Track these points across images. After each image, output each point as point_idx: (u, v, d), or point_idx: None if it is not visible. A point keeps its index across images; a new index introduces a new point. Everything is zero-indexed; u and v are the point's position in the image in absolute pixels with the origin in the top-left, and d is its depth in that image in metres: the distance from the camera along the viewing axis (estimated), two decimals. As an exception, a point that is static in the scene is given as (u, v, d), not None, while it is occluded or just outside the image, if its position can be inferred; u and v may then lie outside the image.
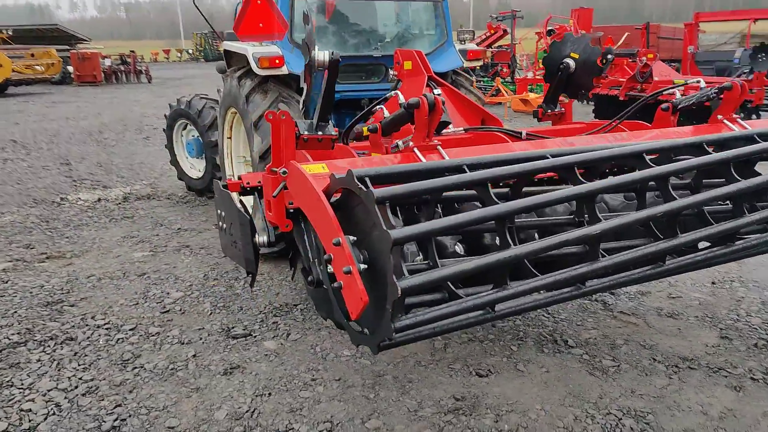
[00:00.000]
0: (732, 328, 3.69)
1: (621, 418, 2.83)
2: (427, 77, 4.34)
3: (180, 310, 4.14)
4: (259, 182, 3.80)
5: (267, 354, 3.51)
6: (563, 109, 4.98)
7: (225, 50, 5.29)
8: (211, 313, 4.07)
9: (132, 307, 4.19)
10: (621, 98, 11.95)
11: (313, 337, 3.70)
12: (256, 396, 3.09)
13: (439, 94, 3.00)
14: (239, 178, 3.83)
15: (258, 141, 4.53)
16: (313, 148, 3.18)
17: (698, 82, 3.84)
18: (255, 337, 3.72)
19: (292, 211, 2.98)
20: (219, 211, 3.77)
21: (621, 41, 19.51)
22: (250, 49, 4.57)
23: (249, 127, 4.63)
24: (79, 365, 3.40)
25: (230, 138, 5.55)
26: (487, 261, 2.17)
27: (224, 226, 3.72)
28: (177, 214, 6.59)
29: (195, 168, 7.31)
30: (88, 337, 3.73)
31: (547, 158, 2.48)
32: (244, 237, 3.42)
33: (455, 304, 2.18)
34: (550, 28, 17.56)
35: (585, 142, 3.20)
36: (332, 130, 3.18)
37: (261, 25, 4.57)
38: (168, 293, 4.42)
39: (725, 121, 3.52)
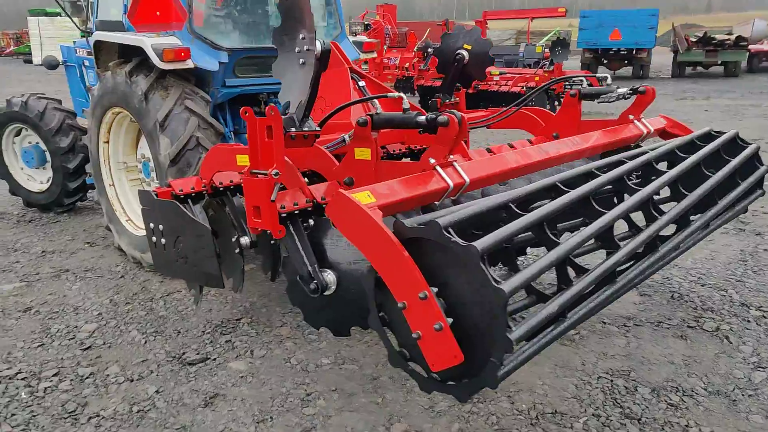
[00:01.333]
0: (644, 286, 4.20)
1: (612, 380, 3.09)
2: (348, 69, 4.25)
3: (104, 343, 3.55)
4: (193, 188, 3.44)
5: (241, 376, 3.17)
6: (457, 99, 5.21)
7: (96, 42, 4.60)
8: (145, 342, 3.56)
9: (38, 349, 3.49)
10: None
11: (280, 351, 3.43)
12: (258, 423, 2.79)
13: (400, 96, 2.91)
14: (168, 185, 3.40)
15: (166, 143, 4.03)
16: (296, 146, 2.92)
17: (606, 78, 4.27)
18: (215, 360, 3.34)
19: (284, 215, 2.73)
20: (153, 225, 3.31)
21: (425, 36, 20.85)
22: (148, 39, 4.03)
23: (151, 129, 4.09)
24: (13, 428, 2.75)
25: (107, 142, 4.85)
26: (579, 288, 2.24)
27: (163, 241, 3.28)
28: (28, 235, 5.59)
29: (35, 180, 6.28)
30: (3, 392, 3.03)
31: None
32: (205, 250, 3.05)
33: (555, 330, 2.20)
34: (366, 22, 18.16)
35: (560, 151, 3.33)
36: (314, 125, 2.96)
37: (158, 13, 4.09)
38: (77, 327, 3.76)
39: (635, 121, 3.97)
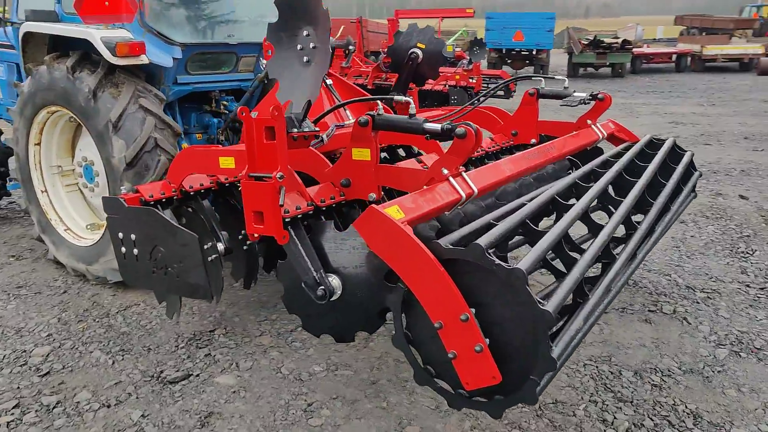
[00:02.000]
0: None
1: (597, 365, 3.22)
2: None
3: (64, 367, 3.23)
4: (164, 194, 3.22)
5: (233, 391, 3.00)
6: (411, 97, 5.23)
7: (26, 33, 4.17)
8: (113, 362, 3.28)
9: (-13, 378, 3.12)
10: (369, 86, 12.83)
11: (266, 361, 3.28)
12: (265, 439, 2.65)
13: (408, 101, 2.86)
14: (135, 190, 3.17)
15: (121, 145, 3.74)
16: (295, 148, 2.79)
17: (564, 80, 4.44)
18: (199, 376, 3.14)
19: (288, 220, 2.62)
20: (123, 234, 3.06)
21: (339, 33, 20.72)
22: (96, 32, 3.70)
23: (102, 130, 3.77)
24: (-14, 471, 2.44)
25: (39, 144, 4.42)
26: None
27: (135, 251, 3.05)
28: (-63, 250, 4.98)
29: (-64, 187, 5.61)
30: (-39, 431, 2.68)
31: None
32: (190, 259, 2.86)
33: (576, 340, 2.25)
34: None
35: (543, 157, 3.41)
36: (311, 125, 2.84)
37: (106, 3, 3.78)
38: (25, 351, 3.39)
39: (593, 125, 4.16)
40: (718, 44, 23.72)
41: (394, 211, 2.22)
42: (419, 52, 5.18)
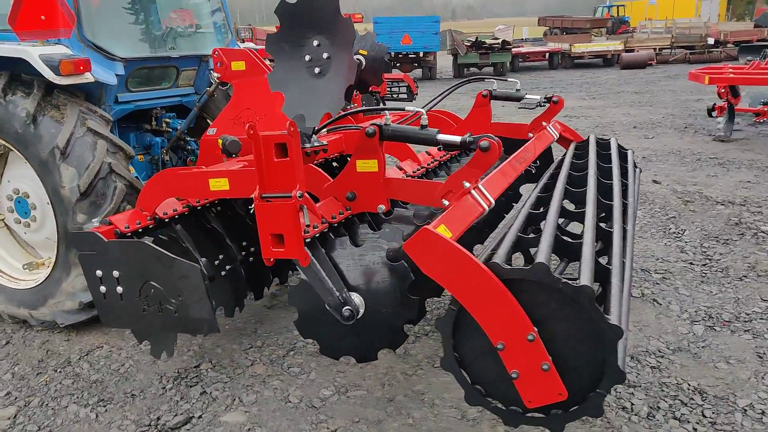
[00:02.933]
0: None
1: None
2: (272, 78, 3.95)
3: (40, 428, 2.85)
4: (140, 223, 2.96)
5: (248, 429, 2.79)
6: (355, 104, 5.17)
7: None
8: (96, 416, 2.94)
9: (-51, 454, 2.68)
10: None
11: (270, 392, 3.09)
12: (303, 475, 2.49)
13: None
14: (108, 222, 2.88)
15: (71, 174, 3.36)
16: (305, 163, 2.64)
17: (516, 82, 4.56)
18: (202, 417, 2.89)
19: (309, 240, 2.48)
20: (103, 272, 2.77)
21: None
22: (33, 49, 3.30)
23: (46, 158, 3.37)
24: None
25: (-45, 178, 3.87)
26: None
27: (120, 289, 2.77)
28: None
29: None
30: None
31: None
32: (192, 292, 2.64)
33: None
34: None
35: (525, 161, 3.47)
36: (317, 139, 2.70)
37: (43, 17, 3.42)
38: (-15, 416, 2.96)
39: (548, 127, 4.32)
40: (584, 42, 25.67)
41: (443, 230, 2.17)
42: (362, 58, 5.11)
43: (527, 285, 2.01)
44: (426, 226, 2.11)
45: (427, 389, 3.06)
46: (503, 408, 2.18)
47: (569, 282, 1.96)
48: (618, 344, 1.96)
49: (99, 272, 2.79)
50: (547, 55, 25.40)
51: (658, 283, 4.25)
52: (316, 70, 2.43)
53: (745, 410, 2.82)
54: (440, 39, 23.32)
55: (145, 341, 2.98)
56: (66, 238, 3.47)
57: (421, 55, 22.26)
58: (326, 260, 2.57)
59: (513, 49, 23.86)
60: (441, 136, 2.60)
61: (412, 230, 2.92)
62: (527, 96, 4.39)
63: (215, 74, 3.98)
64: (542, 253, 2.14)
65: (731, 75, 9.19)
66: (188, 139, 4.47)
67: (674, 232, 5.27)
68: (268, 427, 2.81)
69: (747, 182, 6.85)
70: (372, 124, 2.68)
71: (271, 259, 2.50)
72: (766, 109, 9.87)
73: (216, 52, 3.95)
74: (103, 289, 2.82)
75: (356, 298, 2.60)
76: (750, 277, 4.32)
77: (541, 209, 2.96)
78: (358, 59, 5.14)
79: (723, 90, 9.17)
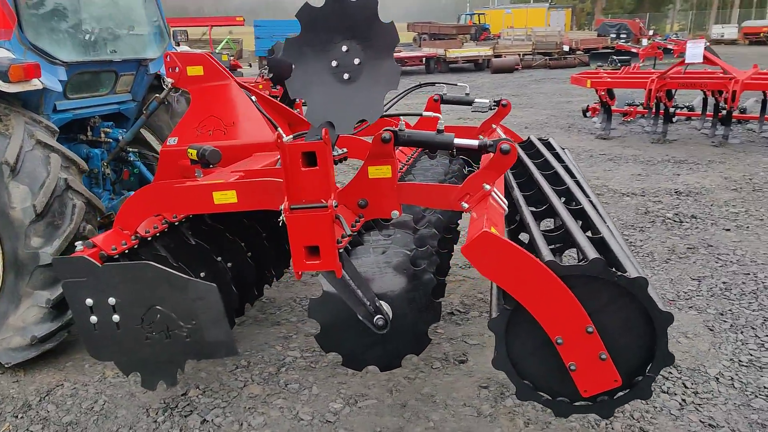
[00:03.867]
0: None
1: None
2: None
3: (24, 483, 2.50)
4: (125, 243, 2.73)
5: (269, 453, 2.65)
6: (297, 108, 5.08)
7: None
8: (88, 460, 2.63)
9: None
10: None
11: (276, 412, 2.94)
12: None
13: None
14: (92, 245, 2.63)
15: (23, 192, 3.00)
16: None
17: (465, 86, 4.69)
18: (213, 447, 2.69)
19: (342, 251, 2.42)
20: (95, 300, 2.53)
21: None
22: (-30, 53, 2.89)
23: (-7, 176, 2.96)
24: None
25: None
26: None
27: (116, 317, 2.55)
28: None
29: None
30: None
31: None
32: (209, 314, 2.48)
33: None
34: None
35: None
36: (336, 149, 2.61)
37: (-20, 16, 3.03)
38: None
39: (498, 129, 4.50)
40: (457, 48, 26.92)
41: (494, 232, 2.21)
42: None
43: (583, 280, 2.11)
44: (487, 230, 2.13)
45: (435, 391, 3.08)
46: (552, 400, 2.27)
47: (624, 275, 2.08)
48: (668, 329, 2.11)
49: (89, 300, 2.51)
50: (424, 59, 26.30)
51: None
52: (345, 76, 2.36)
53: (717, 378, 3.15)
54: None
55: (134, 373, 2.73)
56: (15, 265, 3.07)
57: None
58: (355, 270, 2.52)
59: (394, 54, 24.39)
60: (458, 140, 2.63)
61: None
62: (477, 100, 4.55)
63: (169, 80, 3.71)
64: (588, 248, 2.25)
65: (609, 79, 10.11)
66: (128, 150, 4.13)
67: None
68: (289, 447, 2.69)
69: (639, 175, 7.59)
70: (386, 130, 2.66)
71: (300, 273, 2.41)
72: (632, 109, 10.99)
73: (169, 56, 3.67)
74: (94, 319, 2.54)
75: (385, 306, 2.57)
76: (673, 259, 4.80)
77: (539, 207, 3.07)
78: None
79: (603, 93, 10.07)
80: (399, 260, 2.66)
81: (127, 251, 2.73)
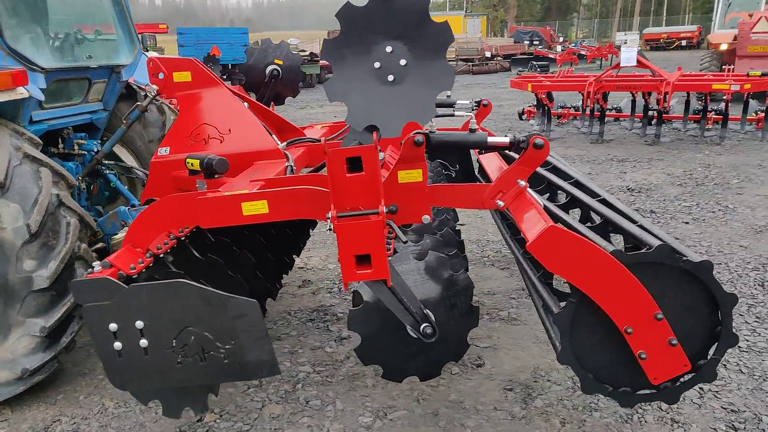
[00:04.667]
0: (498, 261, 4.88)
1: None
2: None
3: None
4: (142, 262, 2.56)
5: (312, 475, 2.51)
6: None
7: None
8: (113, 501, 2.40)
9: None
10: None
11: (306, 431, 2.81)
12: None
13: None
14: (108, 264, 2.43)
15: (14, 211, 2.72)
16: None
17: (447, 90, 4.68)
18: (249, 474, 2.53)
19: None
20: (119, 325, 2.34)
21: None
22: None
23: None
24: None
25: None
26: None
27: (144, 342, 2.37)
28: None
29: None
30: None
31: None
32: (251, 332, 2.34)
33: None
34: None
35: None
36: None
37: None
38: None
39: (479, 129, 4.52)
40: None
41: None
42: (279, 68, 4.90)
43: (649, 267, 2.12)
44: (554, 225, 2.12)
45: (462, 397, 3.04)
46: (616, 390, 2.27)
47: (690, 260, 2.10)
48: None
49: (113, 326, 2.30)
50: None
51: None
52: (390, 78, 2.28)
53: (725, 365, 3.28)
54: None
55: (153, 401, 2.52)
56: (4, 292, 2.77)
57: (230, 66, 21.56)
58: (400, 278, 2.44)
59: (320, 61, 24.30)
60: (491, 139, 2.61)
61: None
62: (458, 102, 4.56)
63: (153, 86, 3.49)
64: (646, 236, 2.26)
65: (548, 83, 10.48)
66: (104, 163, 3.85)
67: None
68: (331, 467, 2.57)
69: (589, 173, 7.90)
70: (417, 133, 2.60)
71: (348, 284, 2.32)
72: (565, 111, 11.44)
73: (152, 62, 3.46)
74: (118, 345, 2.32)
75: (430, 315, 2.51)
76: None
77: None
78: (276, 70, 4.94)
79: (543, 96, 10.43)
80: (437, 266, 2.60)
81: (144, 270, 2.53)
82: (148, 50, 4.73)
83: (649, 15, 65.56)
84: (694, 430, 2.74)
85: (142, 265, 2.52)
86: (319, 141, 3.90)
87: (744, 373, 3.18)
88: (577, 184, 3.22)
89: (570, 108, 11.25)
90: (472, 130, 2.67)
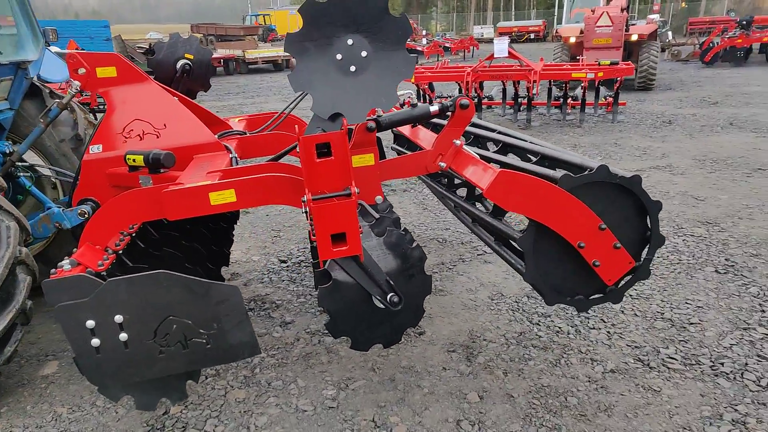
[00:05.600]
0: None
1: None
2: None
3: None
4: (107, 259, 2.61)
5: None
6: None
7: None
8: (98, 498, 2.39)
9: None
10: None
11: (275, 410, 2.94)
12: None
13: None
14: (76, 263, 2.47)
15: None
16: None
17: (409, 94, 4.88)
18: None
19: (359, 235, 2.56)
20: (96, 321, 2.37)
21: None
22: None
23: None
24: None
25: None
26: None
27: (124, 336, 2.43)
28: None
29: None
30: None
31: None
32: (232, 316, 2.47)
33: None
34: None
35: None
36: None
37: None
38: None
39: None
40: (253, 49, 26.68)
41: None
42: (190, 63, 4.88)
43: (592, 186, 2.44)
44: (504, 170, 2.42)
45: (412, 362, 3.32)
46: (573, 299, 2.64)
47: (624, 174, 2.44)
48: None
49: (90, 322, 2.30)
50: (222, 61, 25.61)
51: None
52: (352, 68, 2.45)
53: (623, 311, 3.85)
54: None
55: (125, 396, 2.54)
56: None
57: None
58: (367, 253, 2.65)
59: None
60: (432, 108, 2.89)
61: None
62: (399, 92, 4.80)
63: (75, 83, 3.38)
64: (584, 161, 2.59)
65: (429, 74, 11.04)
66: (18, 164, 3.65)
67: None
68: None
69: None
70: (370, 119, 2.82)
71: (323, 262, 2.50)
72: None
73: (73, 57, 3.35)
74: (96, 342, 2.32)
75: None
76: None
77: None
78: (188, 64, 4.93)
79: (425, 86, 10.97)
80: (396, 241, 2.84)
81: (110, 266, 2.53)
82: (48, 45, 4.48)
83: (500, 10, 69.88)
84: (611, 365, 3.22)
85: (108, 262, 2.52)
86: (245, 133, 3.99)
87: (638, 316, 3.76)
88: (504, 134, 3.56)
89: (448, 97, 11.89)
90: (414, 105, 2.94)
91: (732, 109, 11.70)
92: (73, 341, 2.32)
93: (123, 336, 2.34)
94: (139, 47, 22.06)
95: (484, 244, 3.23)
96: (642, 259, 2.61)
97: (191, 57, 4.85)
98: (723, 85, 15.59)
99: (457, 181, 3.83)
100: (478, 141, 3.58)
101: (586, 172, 2.47)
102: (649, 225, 2.55)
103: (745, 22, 20.61)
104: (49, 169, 3.86)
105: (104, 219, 2.59)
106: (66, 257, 2.45)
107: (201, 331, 2.41)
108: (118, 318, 2.32)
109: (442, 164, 2.87)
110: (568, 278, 2.61)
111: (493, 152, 3.28)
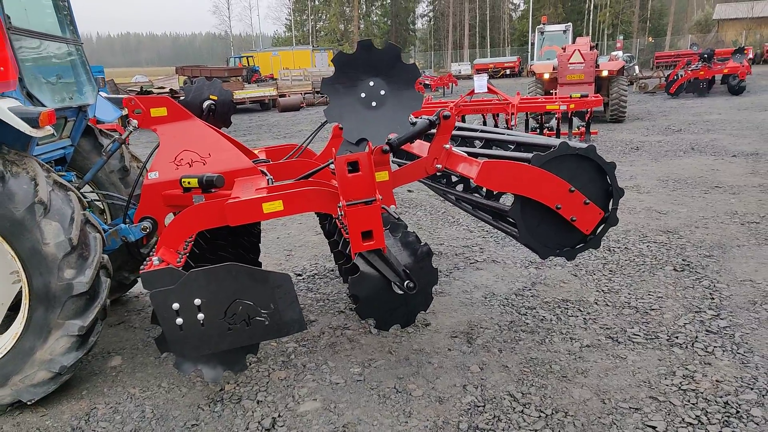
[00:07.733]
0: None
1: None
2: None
3: (138, 476, 2.79)
4: (181, 258, 3.26)
5: (329, 409, 3.27)
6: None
7: None
8: (181, 448, 2.99)
9: None
10: None
11: (312, 384, 3.55)
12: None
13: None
14: (161, 260, 3.11)
15: (56, 228, 3.21)
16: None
17: None
18: (282, 416, 3.23)
19: (383, 233, 3.24)
20: (181, 304, 3.01)
21: None
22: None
23: (22, 216, 3.13)
24: None
25: None
26: None
27: (201, 316, 3.07)
28: None
29: None
30: None
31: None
32: (285, 298, 3.12)
33: None
34: None
35: None
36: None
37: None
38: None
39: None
40: (239, 90, 27.59)
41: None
42: (213, 104, 5.59)
43: (557, 159, 3.11)
44: (488, 160, 3.12)
45: (422, 346, 3.96)
46: (563, 251, 3.29)
47: (581, 145, 3.15)
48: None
49: (176, 305, 2.93)
50: (211, 102, 26.38)
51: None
52: (373, 103, 3.17)
53: (596, 302, 4.55)
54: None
55: (195, 370, 3.16)
56: (46, 299, 3.22)
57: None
58: (388, 248, 3.33)
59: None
60: (431, 119, 3.59)
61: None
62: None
63: (133, 121, 4.06)
64: (549, 141, 3.30)
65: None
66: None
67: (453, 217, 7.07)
68: (344, 401, 3.35)
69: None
70: (386, 143, 3.53)
71: (355, 254, 3.17)
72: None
73: (132, 101, 4.05)
74: (179, 320, 2.95)
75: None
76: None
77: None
78: (213, 105, 5.68)
79: (411, 121, 11.76)
80: (409, 239, 3.53)
81: (185, 264, 3.17)
82: (99, 91, 5.17)
83: (476, 47, 72.21)
84: (586, 342, 3.90)
85: (182, 260, 3.17)
86: (269, 161, 4.69)
87: (609, 306, 4.46)
88: (485, 132, 4.27)
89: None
90: (413, 123, 3.66)
91: (694, 136, 12.70)
92: (162, 321, 2.95)
93: (200, 316, 2.98)
94: (130, 90, 22.83)
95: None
96: (610, 209, 3.29)
97: (215, 98, 5.58)
98: (687, 114, 16.71)
99: (454, 178, 4.52)
100: (466, 141, 4.31)
101: (551, 150, 3.18)
102: (609, 182, 3.24)
103: (706, 55, 22.01)
104: (112, 195, 4.50)
105: (179, 226, 3.25)
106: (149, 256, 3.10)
107: (261, 310, 3.05)
108: (197, 301, 2.96)
109: (439, 165, 3.57)
110: (554, 235, 3.28)
111: (479, 148, 4.02)
